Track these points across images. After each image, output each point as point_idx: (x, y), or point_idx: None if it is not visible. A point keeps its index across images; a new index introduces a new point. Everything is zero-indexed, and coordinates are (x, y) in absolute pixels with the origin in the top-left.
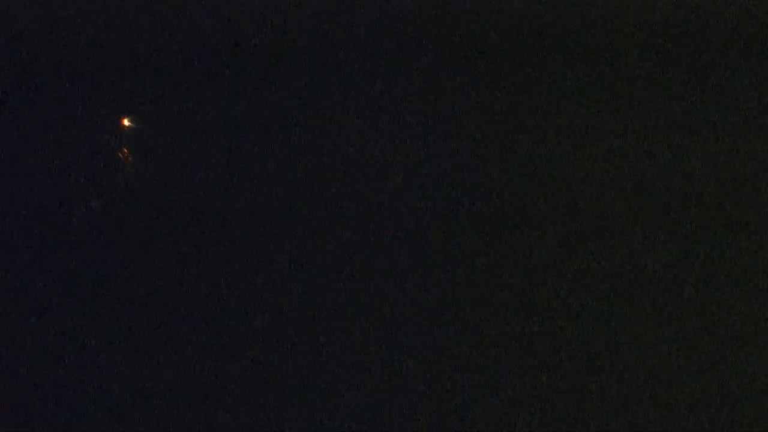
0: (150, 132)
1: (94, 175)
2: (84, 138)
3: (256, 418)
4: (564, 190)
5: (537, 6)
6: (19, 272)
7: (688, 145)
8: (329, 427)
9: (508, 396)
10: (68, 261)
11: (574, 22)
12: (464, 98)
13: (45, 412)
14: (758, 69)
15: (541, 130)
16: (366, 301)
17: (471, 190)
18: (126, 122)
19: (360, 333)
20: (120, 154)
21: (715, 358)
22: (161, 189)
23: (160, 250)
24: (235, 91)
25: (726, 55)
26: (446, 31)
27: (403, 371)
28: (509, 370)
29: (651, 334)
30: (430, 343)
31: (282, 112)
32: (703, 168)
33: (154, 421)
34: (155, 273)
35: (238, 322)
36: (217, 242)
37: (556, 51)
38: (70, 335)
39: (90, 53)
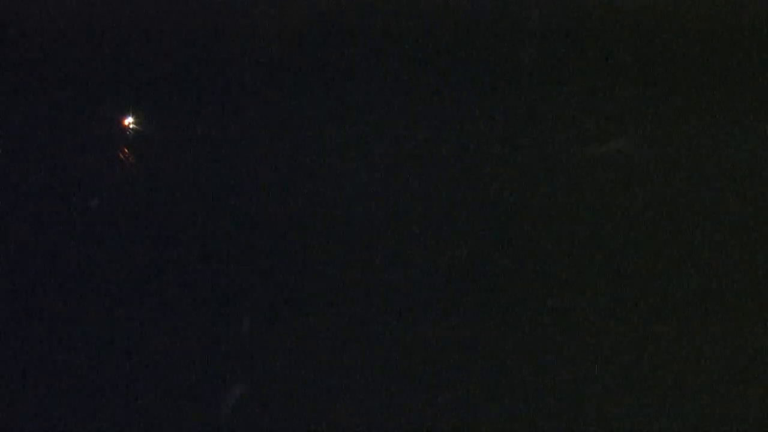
0: (150, 132)
1: (95, 175)
2: (84, 138)
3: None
4: (563, 190)
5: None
6: (18, 271)
7: (687, 143)
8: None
9: (507, 396)
10: (67, 260)
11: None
12: (464, 98)
13: (44, 411)
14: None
15: (540, 128)
16: (364, 301)
17: (470, 190)
18: (126, 122)
19: (359, 332)
20: (121, 155)
21: (715, 357)
22: (161, 189)
23: (160, 250)
24: (237, 92)
25: (725, 55)
26: (447, 32)
27: (403, 371)
28: (510, 369)
29: (650, 334)
30: (428, 342)
31: (283, 112)
32: (702, 167)
33: (154, 421)
34: (155, 272)
35: (237, 323)
36: (217, 242)
37: (557, 52)
38: (69, 334)
39: (90, 53)
